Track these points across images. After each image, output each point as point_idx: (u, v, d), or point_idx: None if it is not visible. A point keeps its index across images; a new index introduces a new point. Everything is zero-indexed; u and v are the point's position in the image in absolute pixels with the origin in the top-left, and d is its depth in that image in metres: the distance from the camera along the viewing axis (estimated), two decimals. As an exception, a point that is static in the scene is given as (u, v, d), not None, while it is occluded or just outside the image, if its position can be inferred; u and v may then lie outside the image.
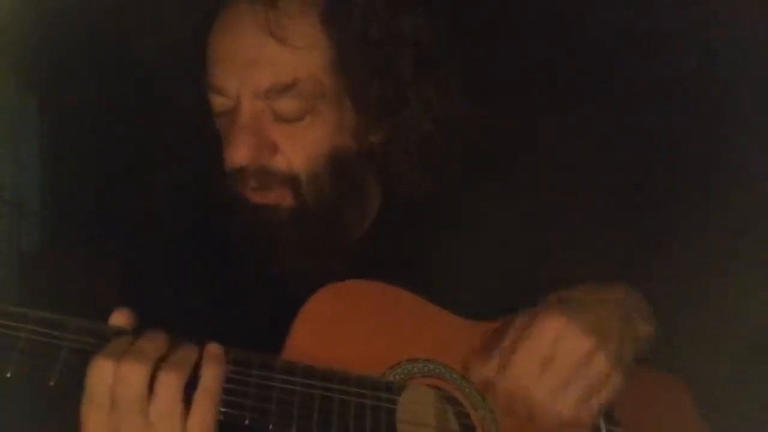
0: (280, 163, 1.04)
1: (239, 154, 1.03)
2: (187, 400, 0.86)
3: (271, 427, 0.91)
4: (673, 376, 1.13)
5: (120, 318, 0.92)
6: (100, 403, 0.85)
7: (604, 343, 0.98)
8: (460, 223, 1.15)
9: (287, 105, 1.03)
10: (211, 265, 1.16)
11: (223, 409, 0.89)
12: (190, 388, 0.86)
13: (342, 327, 1.01)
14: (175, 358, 0.87)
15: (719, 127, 1.28)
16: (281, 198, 1.05)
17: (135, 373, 0.84)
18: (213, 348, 0.90)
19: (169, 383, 0.85)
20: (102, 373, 0.85)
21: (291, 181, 1.05)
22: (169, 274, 1.18)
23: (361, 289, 1.04)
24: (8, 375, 0.86)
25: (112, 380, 0.84)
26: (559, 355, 0.97)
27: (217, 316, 1.08)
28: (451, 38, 1.12)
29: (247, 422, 0.89)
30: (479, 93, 1.17)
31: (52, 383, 0.86)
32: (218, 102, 1.06)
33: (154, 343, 0.88)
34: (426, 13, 1.07)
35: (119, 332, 0.90)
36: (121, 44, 1.16)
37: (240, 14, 1.04)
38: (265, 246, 1.05)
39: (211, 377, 0.87)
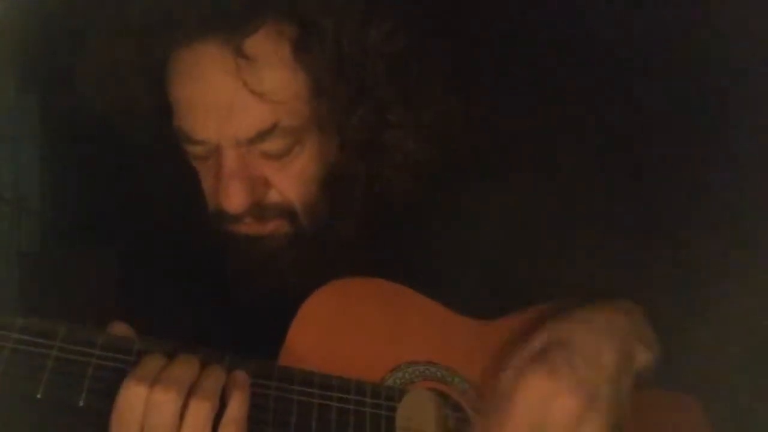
0: (273, 196, 1.04)
1: (235, 203, 1.02)
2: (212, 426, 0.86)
3: (266, 435, 0.91)
4: (683, 394, 1.12)
5: (120, 331, 0.92)
6: (129, 427, 0.85)
7: (594, 404, 0.96)
8: (453, 222, 1.15)
9: (272, 145, 1.02)
10: (208, 270, 1.16)
11: None
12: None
13: (341, 326, 1.01)
14: (206, 386, 0.87)
15: (723, 130, 1.28)
16: (278, 227, 1.05)
17: (169, 402, 0.85)
18: (240, 376, 0.91)
19: (200, 414, 0.86)
20: (134, 398, 0.85)
21: (287, 212, 1.05)
22: (168, 276, 1.18)
23: (361, 287, 1.03)
24: None
25: (144, 406, 0.85)
26: (548, 423, 0.95)
27: (216, 315, 1.08)
28: (434, 41, 1.11)
29: None
30: (472, 93, 1.16)
31: (39, 396, 0.86)
32: (195, 150, 1.04)
33: (188, 368, 0.88)
34: (402, 20, 1.06)
35: (113, 343, 0.89)
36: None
37: (206, 59, 0.99)
38: (262, 271, 1.06)
39: (237, 406, 0.88)
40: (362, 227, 1.12)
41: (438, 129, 1.10)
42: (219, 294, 1.08)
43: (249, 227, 1.05)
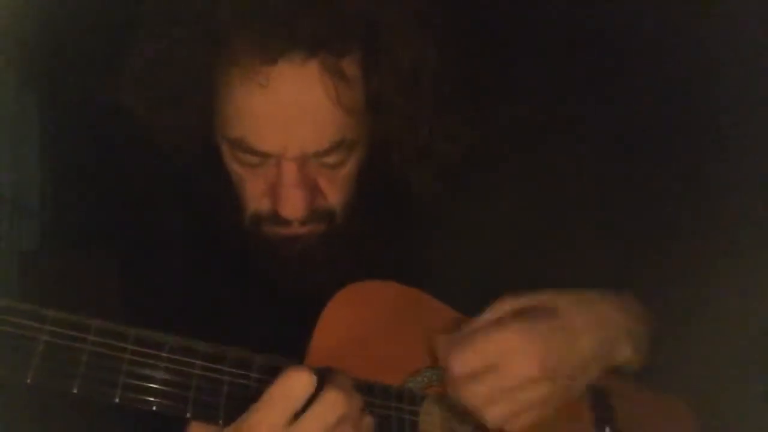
0: (320, 201, 1.06)
1: (297, 211, 1.03)
2: None
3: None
4: (675, 398, 1.14)
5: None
6: (287, 416, 0.86)
7: (552, 379, 0.98)
8: (467, 225, 1.17)
9: (333, 158, 1.03)
10: (219, 268, 1.16)
11: None
12: None
13: (364, 329, 1.02)
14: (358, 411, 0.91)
15: (722, 129, 1.30)
16: (316, 228, 1.06)
17: (339, 403, 0.87)
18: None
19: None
20: (309, 385, 0.87)
21: (328, 215, 1.06)
22: (172, 275, 1.19)
23: (381, 290, 1.05)
24: (28, 381, 0.85)
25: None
26: (501, 369, 0.98)
27: (222, 318, 1.09)
28: (465, 53, 1.12)
29: None
30: (485, 97, 1.18)
31: (75, 390, 0.86)
32: (249, 159, 1.04)
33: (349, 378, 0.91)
34: (451, 39, 1.08)
35: (145, 338, 0.89)
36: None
37: (295, 76, 0.99)
38: (295, 268, 1.07)
39: None
40: (385, 224, 1.13)
41: (462, 133, 1.13)
42: (241, 291, 1.09)
43: (291, 229, 1.06)
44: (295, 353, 0.97)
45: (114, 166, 1.56)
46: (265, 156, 1.03)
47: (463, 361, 0.97)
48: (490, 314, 1.02)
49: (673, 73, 1.37)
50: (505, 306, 1.02)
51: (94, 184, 1.58)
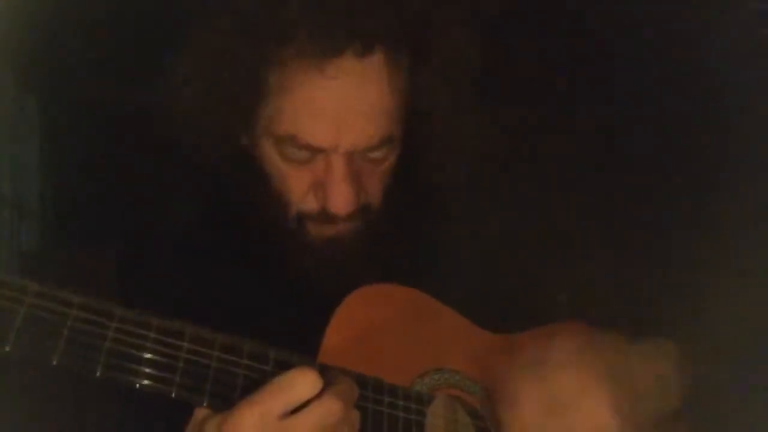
0: (363, 196, 1.06)
1: (347, 205, 1.03)
2: None
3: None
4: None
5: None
6: (283, 407, 0.85)
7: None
8: (480, 232, 1.18)
9: (380, 153, 1.04)
10: (222, 269, 1.16)
11: None
12: None
13: (375, 330, 1.02)
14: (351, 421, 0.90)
15: (725, 135, 1.32)
16: (355, 226, 1.07)
17: (335, 412, 0.86)
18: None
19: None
20: (313, 387, 0.86)
21: (366, 209, 1.06)
22: (173, 275, 1.18)
23: (393, 293, 1.05)
24: (7, 349, 0.84)
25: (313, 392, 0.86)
26: (568, 411, 0.95)
27: (235, 314, 1.09)
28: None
29: None
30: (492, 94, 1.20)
31: (54, 362, 0.85)
32: (298, 155, 1.04)
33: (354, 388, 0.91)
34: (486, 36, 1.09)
35: (167, 327, 0.89)
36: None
37: (359, 71, 1.00)
38: (332, 267, 1.07)
39: None
40: (411, 222, 1.14)
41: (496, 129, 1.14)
42: (231, 288, 1.09)
43: (337, 228, 1.06)
44: (315, 351, 0.98)
45: (114, 166, 1.56)
46: (315, 151, 1.03)
47: (529, 396, 0.96)
48: (554, 349, 0.99)
49: (680, 78, 1.39)
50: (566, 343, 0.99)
51: (94, 185, 1.58)
